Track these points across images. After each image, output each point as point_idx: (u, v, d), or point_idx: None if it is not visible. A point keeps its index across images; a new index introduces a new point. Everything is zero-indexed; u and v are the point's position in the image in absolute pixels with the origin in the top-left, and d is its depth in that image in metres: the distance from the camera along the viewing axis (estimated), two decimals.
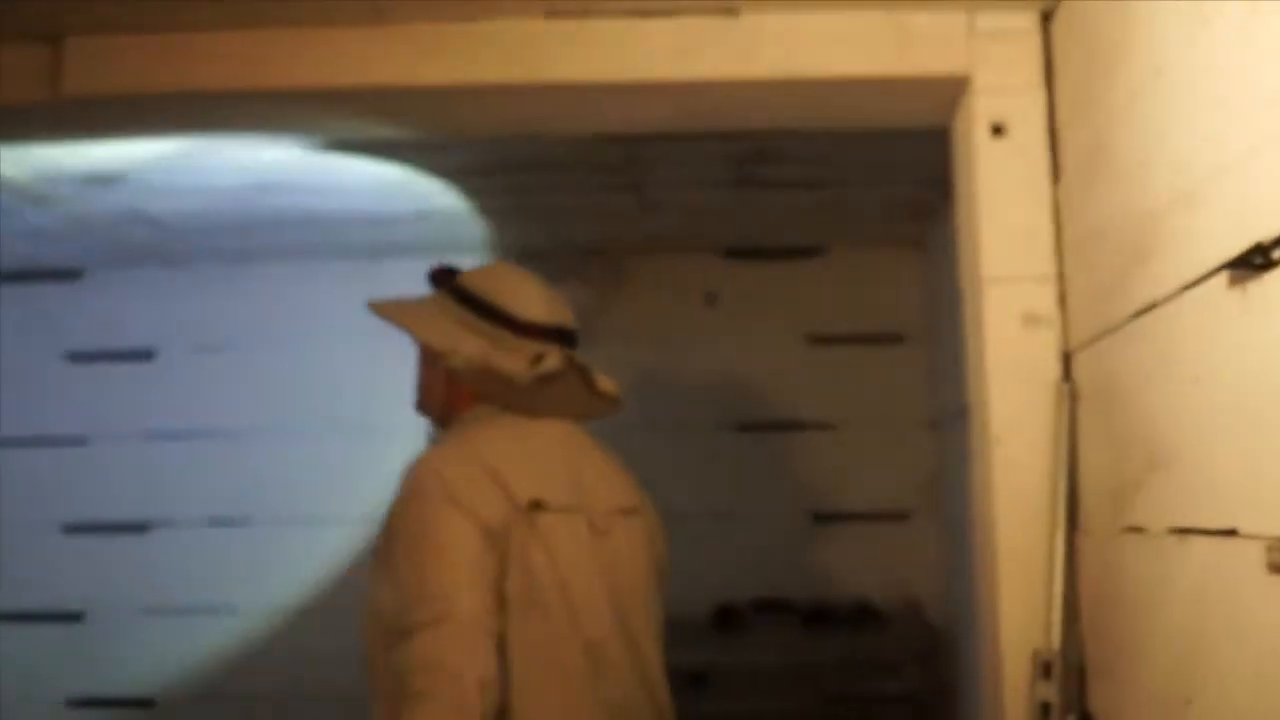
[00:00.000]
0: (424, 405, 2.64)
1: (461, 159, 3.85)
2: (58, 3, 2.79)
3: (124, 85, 2.92)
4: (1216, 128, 1.74)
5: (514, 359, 2.47)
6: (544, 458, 2.47)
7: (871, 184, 4.12)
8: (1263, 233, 1.58)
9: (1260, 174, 1.60)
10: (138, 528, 5.29)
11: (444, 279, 2.61)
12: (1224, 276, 1.71)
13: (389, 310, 2.58)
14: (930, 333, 4.85)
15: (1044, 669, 2.39)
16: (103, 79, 2.91)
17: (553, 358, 2.48)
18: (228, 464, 5.25)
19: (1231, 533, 1.69)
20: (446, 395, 2.57)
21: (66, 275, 5.42)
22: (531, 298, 2.55)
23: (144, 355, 5.38)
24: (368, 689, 2.35)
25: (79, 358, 5.39)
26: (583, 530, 2.42)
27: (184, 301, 5.36)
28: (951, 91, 2.73)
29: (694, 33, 2.71)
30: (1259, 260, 1.60)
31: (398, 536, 2.29)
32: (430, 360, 2.57)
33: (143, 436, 5.32)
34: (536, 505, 2.35)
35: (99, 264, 5.33)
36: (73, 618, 5.29)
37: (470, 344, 2.50)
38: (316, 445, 5.18)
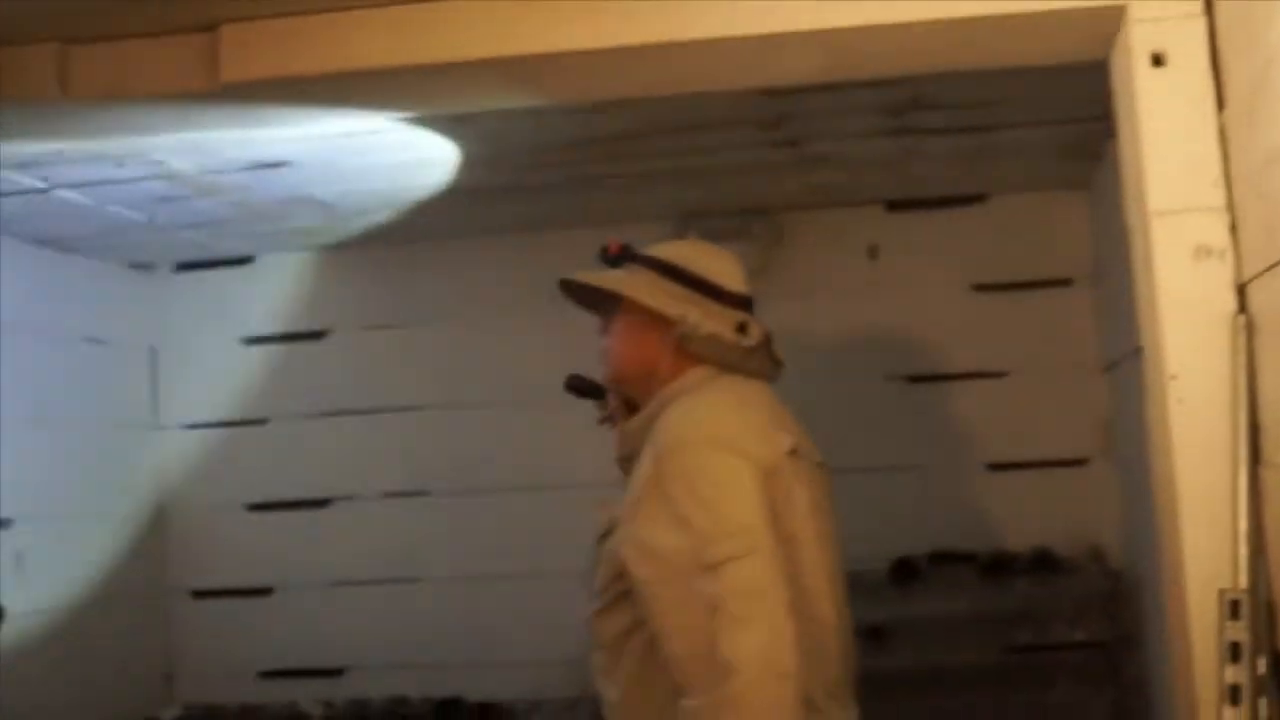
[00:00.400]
0: (624, 372, 2.82)
1: (616, 124, 3.86)
2: None
3: (279, 69, 2.97)
4: None
5: (726, 327, 2.73)
6: (773, 412, 2.74)
7: (1031, 125, 4.05)
8: None
9: None
10: (319, 503, 5.42)
11: (624, 255, 2.85)
12: None
13: (611, 281, 2.81)
14: (1099, 274, 4.76)
15: (1232, 608, 2.34)
16: (257, 64, 2.97)
17: (756, 325, 2.78)
18: (403, 438, 5.36)
19: None
20: (657, 362, 2.76)
21: (239, 261, 5.54)
22: (729, 270, 2.83)
23: (316, 335, 5.49)
24: (593, 639, 2.67)
25: (254, 341, 5.53)
26: (817, 477, 2.73)
27: (353, 281, 5.46)
28: (1108, 23, 2.67)
29: None
30: None
31: (689, 481, 2.51)
32: (644, 328, 2.76)
33: (320, 414, 5.44)
34: (793, 452, 2.63)
35: (270, 249, 5.45)
36: (262, 593, 5.44)
37: (692, 312, 2.73)
38: (488, 417, 5.25)
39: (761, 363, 2.80)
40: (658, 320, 2.75)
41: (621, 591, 2.60)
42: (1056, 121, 3.99)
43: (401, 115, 3.48)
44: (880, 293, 5.08)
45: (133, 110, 3.29)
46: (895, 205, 5.08)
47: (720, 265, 2.83)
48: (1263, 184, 2.30)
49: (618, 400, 2.89)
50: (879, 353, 5.03)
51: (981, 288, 5.00)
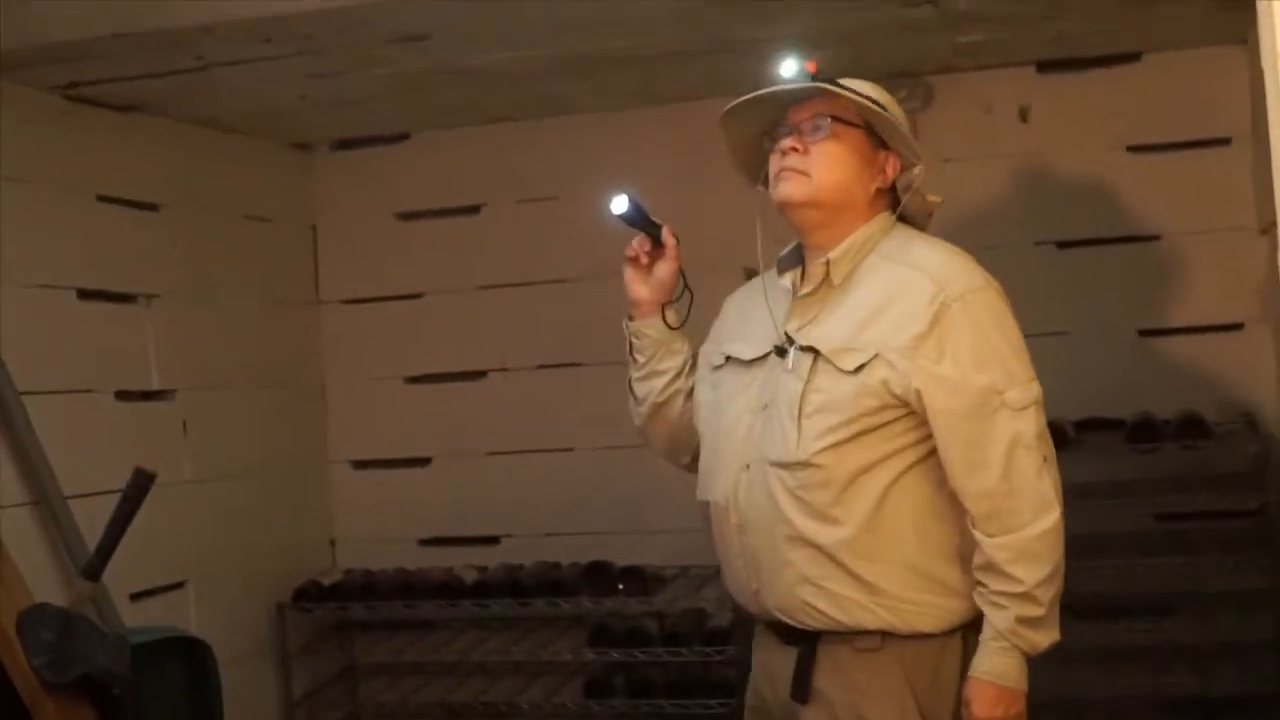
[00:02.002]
0: (825, 196, 2.79)
1: None
2: None
3: None
4: None
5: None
6: None
7: None
8: None
9: None
10: (475, 375, 5.53)
11: (821, 78, 2.79)
12: None
13: (869, 102, 2.79)
14: (1259, 133, 4.61)
15: None
16: None
17: None
18: (557, 311, 5.42)
19: None
20: (858, 197, 2.81)
21: (393, 139, 5.63)
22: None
23: (471, 210, 5.57)
24: (805, 478, 2.69)
25: (409, 216, 5.63)
26: None
27: (506, 155, 5.52)
28: None
29: None
30: None
31: (999, 324, 2.70)
32: (861, 159, 2.81)
33: (474, 288, 5.53)
34: None
35: (423, 125, 5.52)
36: (421, 463, 5.58)
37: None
38: None
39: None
40: (873, 160, 2.82)
41: (872, 426, 2.66)
42: None
43: None
44: (1032, 155, 4.99)
45: None
46: (1046, 66, 4.97)
47: (900, 111, 2.89)
48: None
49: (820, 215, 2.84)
50: (1029, 218, 4.95)
51: (1136, 149, 4.88)
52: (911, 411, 2.66)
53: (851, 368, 2.67)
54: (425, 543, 5.55)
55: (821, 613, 2.71)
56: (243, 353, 5.20)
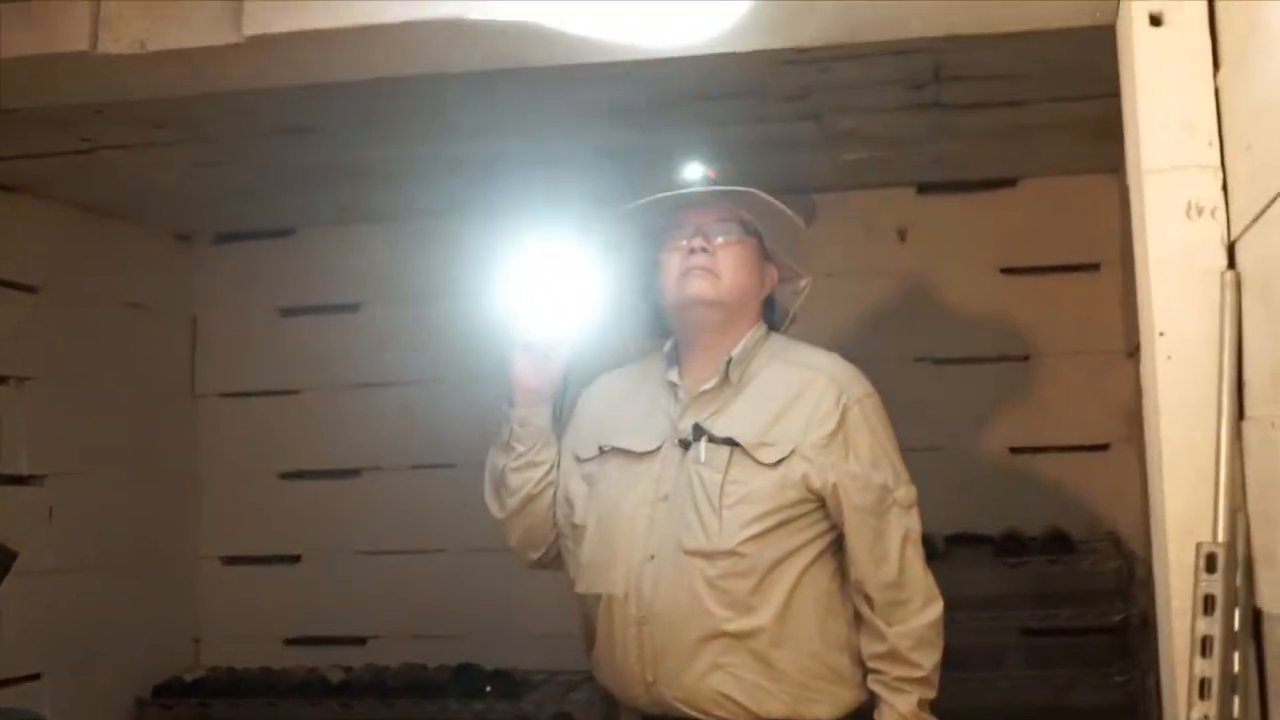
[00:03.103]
0: (732, 299, 2.90)
1: (629, 93, 3.88)
2: None
3: (299, 22, 3.01)
4: None
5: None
6: None
7: (1058, 100, 4.03)
8: None
9: None
10: (349, 473, 5.48)
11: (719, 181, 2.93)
12: None
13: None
14: (1127, 259, 4.75)
15: (1207, 561, 2.34)
16: (279, 17, 3.01)
17: None
18: (432, 411, 5.39)
19: None
20: (753, 302, 2.95)
21: (277, 233, 5.62)
22: None
23: (351, 308, 5.56)
24: (721, 569, 2.74)
25: (290, 312, 5.60)
26: None
27: (388, 254, 5.52)
28: None
29: None
30: None
31: (886, 425, 2.87)
32: (759, 267, 2.95)
33: (351, 385, 5.50)
34: None
35: (307, 220, 5.52)
36: (290, 560, 5.51)
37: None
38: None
39: None
40: (765, 267, 2.97)
41: (790, 517, 2.76)
42: (1082, 97, 3.97)
43: (421, 72, 3.49)
44: (910, 274, 5.10)
45: (162, 64, 3.33)
46: (925, 188, 5.11)
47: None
48: (1250, 136, 2.31)
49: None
50: (907, 335, 5.05)
51: (1010, 271, 5.02)
52: (820, 505, 2.78)
53: (771, 461, 2.76)
54: (291, 642, 5.46)
55: (732, 701, 2.75)
56: (115, 441, 5.10)
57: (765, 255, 2.97)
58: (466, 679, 4.98)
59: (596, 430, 3.00)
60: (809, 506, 2.78)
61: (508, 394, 3.05)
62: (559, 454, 3.06)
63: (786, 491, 2.76)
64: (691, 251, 2.86)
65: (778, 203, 2.90)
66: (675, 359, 2.97)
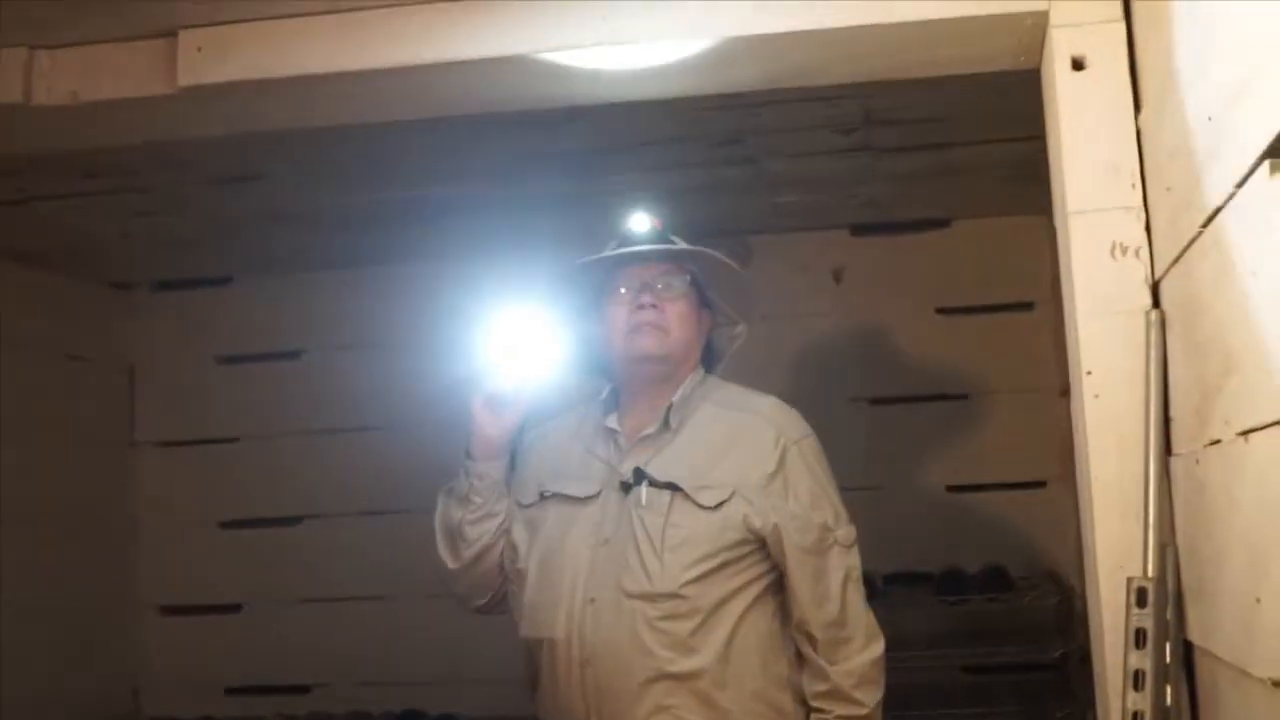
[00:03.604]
0: (678, 352, 2.92)
1: (575, 139, 3.92)
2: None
3: (232, 73, 3.02)
4: (1260, 17, 1.74)
5: None
6: None
7: (986, 142, 4.10)
8: None
9: None
10: (290, 521, 5.47)
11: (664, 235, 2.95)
12: (1266, 166, 1.71)
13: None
14: (1060, 298, 4.81)
15: (1138, 596, 2.38)
16: (212, 68, 3.03)
17: None
18: (374, 457, 5.39)
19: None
20: (694, 351, 2.97)
21: (216, 281, 5.61)
22: None
23: (291, 355, 5.55)
24: (665, 610, 2.74)
25: (229, 360, 5.59)
26: None
27: (328, 302, 5.52)
28: (1032, 29, 2.74)
29: None
30: None
31: (824, 466, 2.88)
32: (699, 316, 2.97)
33: (292, 433, 5.49)
34: None
35: (246, 268, 5.52)
36: (231, 609, 5.48)
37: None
38: (457, 436, 5.28)
39: None
40: (704, 318, 2.99)
41: (731, 559, 2.76)
42: (1010, 139, 4.04)
43: (358, 121, 3.52)
44: (846, 314, 5.15)
45: (96, 115, 3.34)
46: (859, 229, 5.16)
47: None
48: (1169, 177, 2.36)
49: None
50: (843, 375, 5.09)
51: (944, 311, 5.07)
52: (761, 546, 2.78)
53: (712, 504, 2.77)
54: (233, 691, 5.43)
55: None
56: (52, 491, 5.06)
57: (703, 300, 2.99)
58: None
59: (537, 476, 3.00)
60: (750, 548, 2.77)
61: (466, 446, 3.01)
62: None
63: (727, 533, 2.76)
64: (640, 308, 2.89)
65: (730, 261, 2.95)
66: (614, 404, 2.99)
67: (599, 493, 2.88)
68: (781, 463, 2.80)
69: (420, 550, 5.19)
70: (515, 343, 2.93)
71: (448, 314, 5.27)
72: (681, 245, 2.94)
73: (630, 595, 2.76)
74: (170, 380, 5.64)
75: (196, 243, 5.02)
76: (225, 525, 5.55)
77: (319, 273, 5.50)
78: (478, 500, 2.98)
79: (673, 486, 2.80)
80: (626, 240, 2.94)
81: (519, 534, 2.96)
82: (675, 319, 2.89)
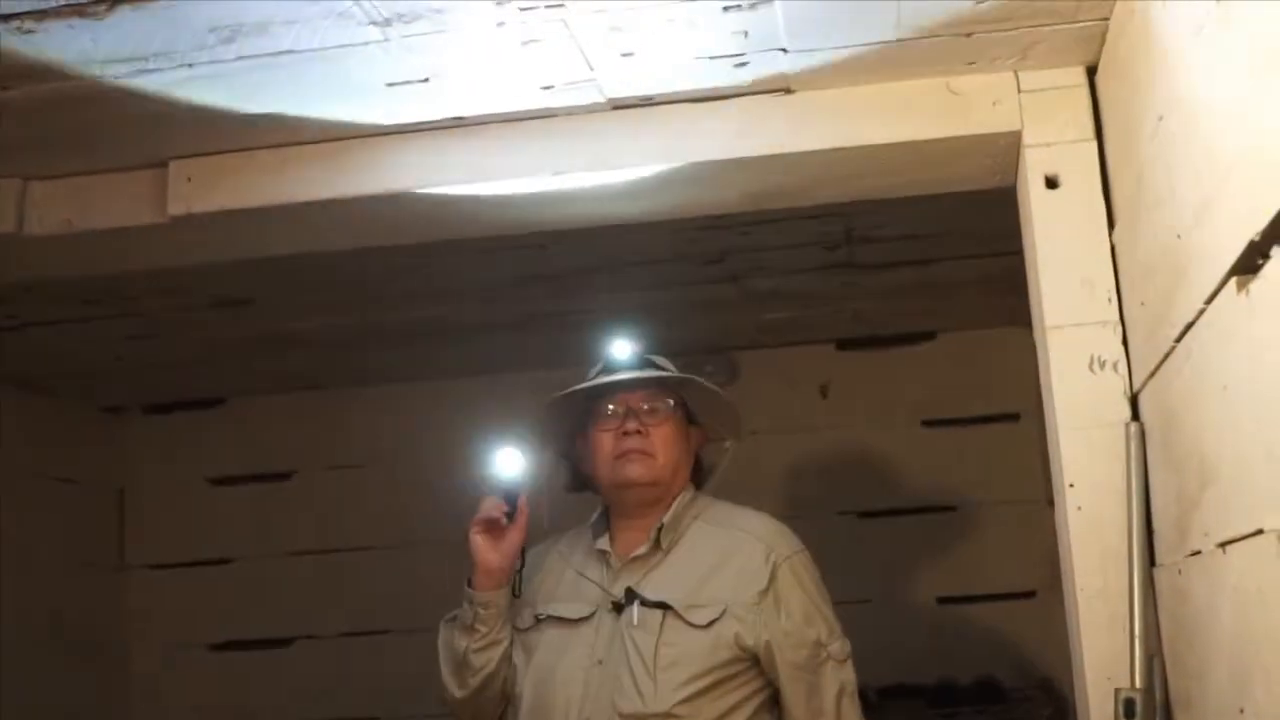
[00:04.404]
0: (666, 475, 2.95)
1: (563, 260, 3.97)
2: (160, 130, 2.96)
3: (220, 202, 3.07)
4: (1223, 139, 1.79)
5: None
6: None
7: (969, 258, 4.16)
8: (1253, 231, 1.62)
9: (1250, 175, 1.65)
10: (281, 643, 5.45)
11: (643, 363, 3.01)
12: (1233, 283, 1.75)
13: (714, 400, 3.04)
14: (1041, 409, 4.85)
15: (1126, 707, 2.39)
16: (200, 198, 3.07)
17: None
18: (364, 578, 5.40)
19: (1258, 533, 1.72)
20: (684, 471, 3.00)
21: (206, 403, 5.64)
22: None
23: (282, 476, 5.57)
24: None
25: (220, 481, 5.60)
26: None
27: (318, 422, 5.55)
28: (1006, 149, 2.80)
29: (750, 112, 2.82)
30: (1257, 260, 1.65)
31: (817, 583, 2.90)
32: (685, 437, 3.01)
33: (283, 554, 5.49)
34: None
35: (237, 390, 5.55)
36: None
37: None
38: (448, 556, 5.29)
39: None
40: (689, 435, 3.02)
41: (724, 677, 2.78)
42: (991, 254, 4.10)
43: (345, 247, 3.56)
44: (832, 428, 5.18)
45: (89, 243, 3.38)
46: (845, 344, 5.21)
47: None
48: (1143, 292, 2.40)
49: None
50: (831, 488, 5.11)
51: (931, 423, 5.10)
52: (755, 664, 2.80)
53: (704, 622, 2.79)
54: None
55: None
56: (42, 615, 5.04)
57: (690, 418, 3.02)
58: None
59: (532, 600, 3.01)
60: (743, 665, 2.79)
61: (469, 576, 2.99)
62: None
63: (720, 651, 2.77)
64: (626, 434, 2.92)
65: (713, 386, 3.02)
66: (604, 526, 3.01)
67: (592, 614, 2.90)
68: (773, 580, 2.81)
69: (410, 671, 5.22)
70: (505, 475, 2.94)
71: (435, 434, 5.35)
72: (664, 372, 2.98)
73: (624, 715, 2.77)
74: (160, 502, 5.65)
75: (188, 365, 5.06)
76: (216, 648, 5.53)
77: (310, 393, 5.53)
78: (482, 629, 2.95)
79: (664, 606, 2.82)
80: (609, 366, 2.97)
81: (517, 658, 2.96)
82: (661, 443, 2.93)
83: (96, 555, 5.54)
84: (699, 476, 3.08)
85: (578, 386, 2.97)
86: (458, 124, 2.92)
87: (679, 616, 2.81)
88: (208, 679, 5.51)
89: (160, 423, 5.72)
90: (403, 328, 4.67)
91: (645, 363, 3.00)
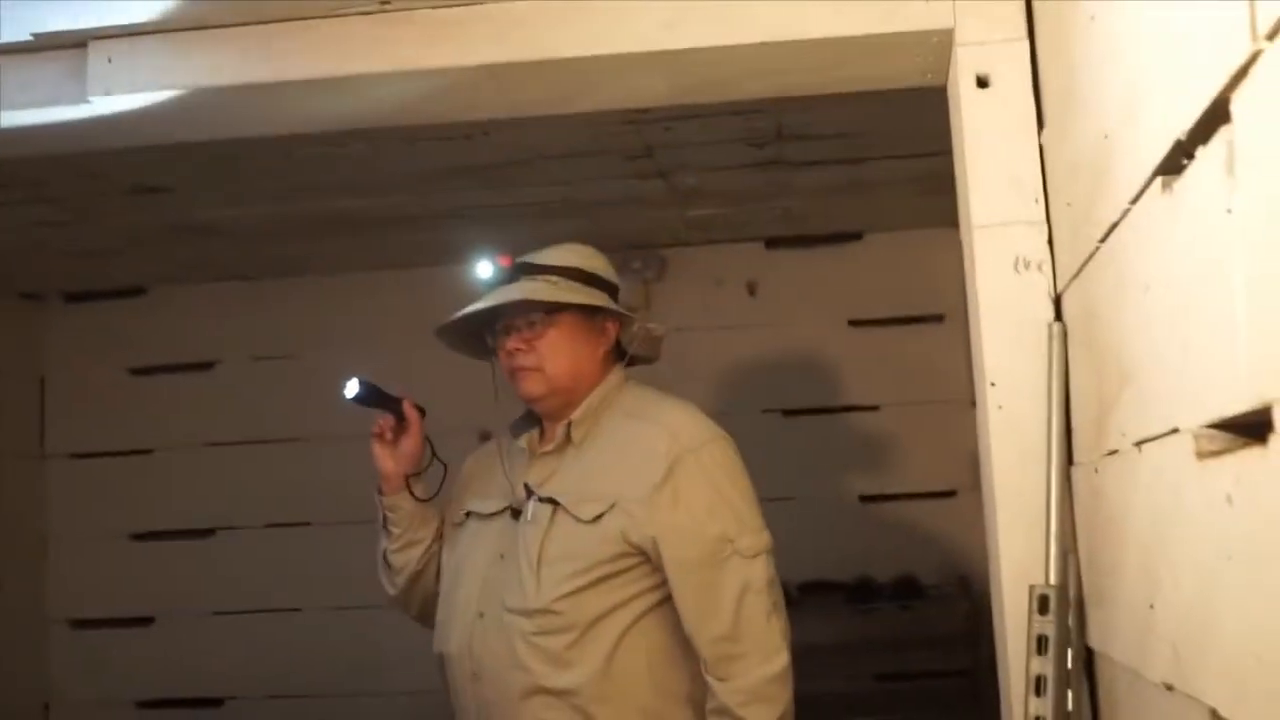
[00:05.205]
0: (562, 383, 2.88)
1: (490, 152, 3.93)
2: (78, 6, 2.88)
3: (143, 83, 3.00)
4: (1151, 40, 1.78)
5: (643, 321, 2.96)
6: None
7: (898, 157, 4.15)
8: (1178, 130, 1.62)
9: (1176, 75, 1.64)
10: (203, 534, 5.43)
11: (520, 269, 2.88)
12: (1158, 183, 1.75)
13: (569, 294, 2.85)
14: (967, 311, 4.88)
15: (1040, 603, 2.42)
16: (123, 79, 3.00)
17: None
18: (287, 469, 5.38)
19: (1173, 432, 1.73)
20: (591, 368, 2.90)
21: (128, 293, 5.57)
22: (611, 266, 2.99)
23: (204, 366, 5.52)
24: (544, 625, 2.72)
25: (142, 371, 5.55)
26: None
27: (242, 313, 5.50)
28: (938, 47, 2.78)
29: (681, 5, 2.77)
30: (1181, 160, 1.64)
31: (729, 474, 2.80)
32: (580, 336, 2.88)
33: (204, 444, 5.46)
34: None
35: (159, 279, 5.48)
36: (143, 622, 5.43)
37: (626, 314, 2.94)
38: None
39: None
40: (592, 329, 2.90)
41: (609, 573, 2.72)
42: (922, 154, 4.09)
43: (270, 133, 3.50)
44: (759, 327, 5.19)
45: (4, 128, 3.30)
46: (774, 243, 5.21)
47: (607, 264, 3.00)
48: (1069, 193, 2.40)
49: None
50: (756, 387, 5.13)
51: (857, 323, 5.12)
52: (647, 559, 2.73)
53: (589, 517, 2.74)
54: (145, 705, 5.39)
55: None
56: None
57: (598, 310, 2.94)
58: None
59: (463, 497, 3.04)
60: (632, 561, 2.74)
61: (377, 483, 3.05)
62: (439, 528, 3.09)
63: (605, 547, 2.73)
64: (510, 353, 2.88)
65: (564, 299, 2.86)
66: (528, 425, 2.98)
67: (503, 510, 2.90)
68: (671, 472, 2.73)
69: (332, 562, 5.23)
70: (362, 398, 2.98)
71: (360, 326, 5.32)
72: (535, 277, 2.88)
73: (510, 610, 2.77)
74: (81, 391, 5.59)
75: (109, 253, 4.98)
76: (137, 537, 5.50)
77: (232, 283, 5.48)
78: (396, 531, 3.04)
79: (553, 501, 2.80)
80: (484, 287, 2.91)
81: (445, 554, 3.00)
82: (549, 352, 2.85)
83: (17, 444, 5.49)
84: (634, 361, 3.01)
85: (443, 322, 2.94)
86: (382, 9, 2.86)
87: (567, 512, 2.78)
88: (128, 569, 5.49)
89: (81, 311, 5.65)
90: (329, 219, 4.62)
91: (522, 269, 2.89)
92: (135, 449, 5.54)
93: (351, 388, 2.97)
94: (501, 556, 2.83)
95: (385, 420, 3.00)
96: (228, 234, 4.75)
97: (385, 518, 3.04)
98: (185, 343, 5.56)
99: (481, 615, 2.81)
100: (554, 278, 2.87)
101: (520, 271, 2.89)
